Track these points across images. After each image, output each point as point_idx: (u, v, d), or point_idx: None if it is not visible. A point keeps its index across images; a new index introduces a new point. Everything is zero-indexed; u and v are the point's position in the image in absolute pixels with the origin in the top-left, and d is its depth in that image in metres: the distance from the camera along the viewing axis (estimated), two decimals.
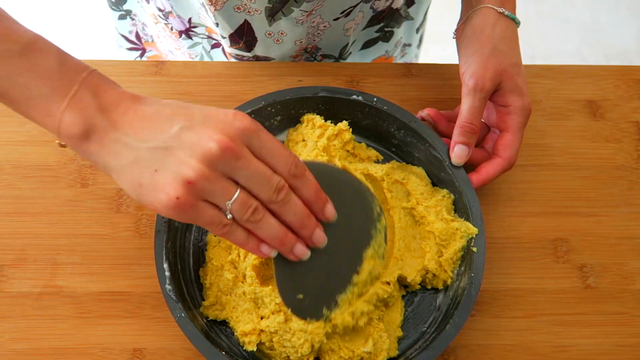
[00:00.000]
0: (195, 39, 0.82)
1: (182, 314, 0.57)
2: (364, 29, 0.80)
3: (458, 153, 0.63)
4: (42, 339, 0.63)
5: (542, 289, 0.66)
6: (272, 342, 0.59)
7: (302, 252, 0.52)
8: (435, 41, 1.57)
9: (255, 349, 0.59)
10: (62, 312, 0.63)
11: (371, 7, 0.76)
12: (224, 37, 0.75)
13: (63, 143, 0.50)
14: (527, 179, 0.71)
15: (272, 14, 0.70)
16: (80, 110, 0.47)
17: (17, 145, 0.70)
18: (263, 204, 0.49)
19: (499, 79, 0.63)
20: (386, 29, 0.82)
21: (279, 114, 0.67)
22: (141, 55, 0.91)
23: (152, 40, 0.88)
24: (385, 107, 0.66)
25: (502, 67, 0.63)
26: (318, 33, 0.76)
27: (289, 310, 0.54)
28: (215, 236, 0.64)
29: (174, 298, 0.58)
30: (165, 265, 0.59)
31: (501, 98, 0.65)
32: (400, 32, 0.86)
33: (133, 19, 0.87)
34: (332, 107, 0.67)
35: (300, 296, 0.54)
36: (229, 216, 0.48)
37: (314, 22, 0.73)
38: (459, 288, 0.61)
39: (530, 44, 1.93)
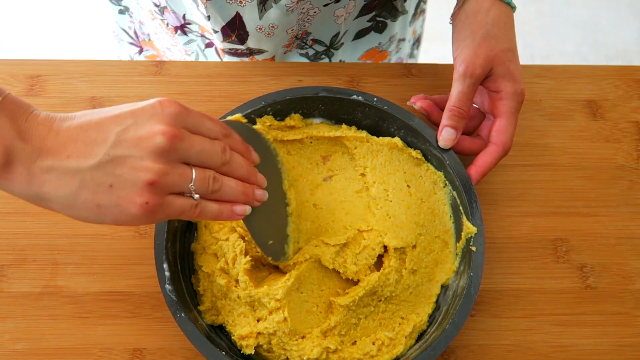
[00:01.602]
0: (191, 36, 0.82)
1: (182, 314, 0.57)
2: (355, 18, 0.80)
3: (445, 136, 0.64)
4: (42, 339, 0.63)
5: (542, 289, 0.66)
6: (271, 344, 0.59)
7: (261, 195, 0.55)
8: (435, 41, 1.57)
9: (253, 352, 0.59)
10: (62, 312, 0.63)
11: None
12: (216, 32, 0.76)
13: None
14: (527, 179, 0.71)
15: (263, 1, 0.70)
16: None
17: None
18: (216, 169, 0.51)
19: (490, 64, 0.64)
20: (378, 19, 0.82)
21: (279, 114, 0.67)
22: (139, 53, 0.91)
23: (149, 39, 0.88)
24: (385, 107, 0.66)
25: (494, 52, 0.63)
26: (308, 19, 0.76)
27: (268, 258, 0.59)
28: (199, 244, 0.64)
29: (174, 298, 0.58)
30: (165, 266, 0.59)
31: (493, 83, 0.65)
32: (396, 27, 0.86)
33: (131, 17, 0.87)
34: (332, 107, 0.67)
35: (270, 242, 0.59)
36: (196, 196, 0.49)
37: (303, 8, 0.73)
38: (459, 287, 0.61)
39: (530, 44, 1.93)
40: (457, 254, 0.64)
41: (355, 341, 0.61)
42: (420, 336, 0.62)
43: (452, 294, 0.62)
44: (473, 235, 0.61)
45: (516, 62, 0.65)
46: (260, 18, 0.72)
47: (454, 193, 0.64)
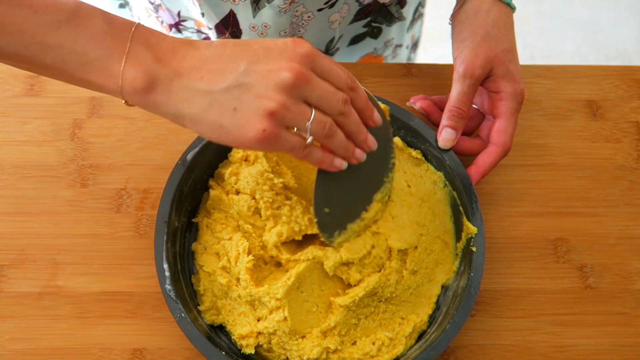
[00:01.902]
0: (185, 33, 0.82)
1: (182, 314, 0.57)
2: (350, 23, 0.80)
3: (445, 136, 0.64)
4: (42, 339, 0.63)
5: (542, 289, 0.66)
6: (271, 344, 0.59)
7: (360, 155, 0.56)
8: (435, 41, 1.57)
9: (253, 352, 0.59)
10: (62, 312, 0.63)
11: (357, 0, 0.76)
12: (210, 29, 0.76)
13: (130, 102, 0.50)
14: (527, 179, 0.71)
15: (257, 0, 0.70)
16: (139, 65, 0.49)
17: (17, 145, 0.70)
18: (332, 117, 0.52)
19: (490, 65, 0.64)
20: (374, 24, 0.82)
21: None
22: None
23: None
24: None
25: (494, 53, 0.63)
26: (302, 24, 0.75)
27: (315, 220, 0.58)
28: (200, 244, 0.64)
29: (174, 298, 0.58)
30: (165, 266, 0.59)
31: (492, 84, 0.65)
32: (392, 32, 0.86)
33: (131, 11, 0.87)
34: None
35: (327, 210, 0.59)
36: (310, 138, 0.51)
37: (297, 11, 0.73)
38: (459, 288, 0.61)
39: (530, 43, 1.92)
40: (457, 255, 0.64)
41: (355, 341, 0.61)
42: (420, 336, 0.62)
43: (452, 294, 0.62)
44: (473, 235, 0.61)
45: (516, 62, 0.65)
46: (254, 17, 0.72)
47: (454, 193, 0.64)
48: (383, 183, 0.61)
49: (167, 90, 0.49)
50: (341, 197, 0.59)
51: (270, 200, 0.61)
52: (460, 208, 0.64)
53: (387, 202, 0.63)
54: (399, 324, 0.62)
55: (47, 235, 0.66)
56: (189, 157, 0.62)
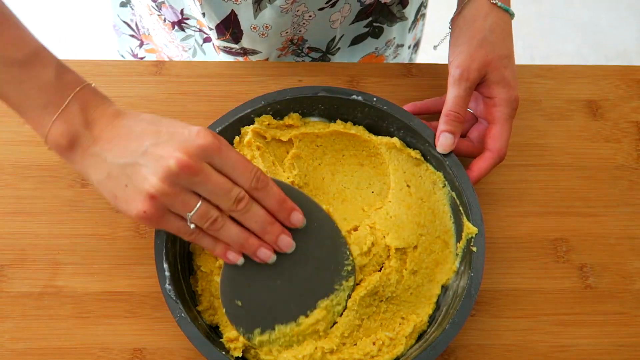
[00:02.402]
0: (188, 31, 0.82)
1: (182, 314, 0.57)
2: (352, 23, 0.80)
3: (443, 141, 0.63)
4: (42, 339, 0.63)
5: (542, 289, 0.66)
6: (258, 352, 0.59)
7: (265, 255, 0.56)
8: (435, 42, 1.57)
9: (240, 355, 0.59)
10: (62, 312, 0.63)
11: (358, 0, 0.76)
12: (211, 29, 0.76)
13: (51, 150, 0.54)
14: (527, 179, 0.71)
15: (258, 0, 0.70)
16: (67, 124, 0.52)
17: (17, 145, 0.70)
18: (225, 212, 0.54)
19: (485, 70, 0.64)
20: (375, 24, 0.82)
21: (278, 114, 0.67)
22: (140, 46, 0.92)
23: (149, 33, 0.88)
24: (385, 107, 0.66)
25: (489, 58, 0.63)
26: (303, 23, 0.76)
27: (224, 310, 0.57)
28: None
29: (174, 298, 0.58)
30: (165, 265, 0.59)
31: (487, 89, 0.65)
32: (394, 32, 0.86)
33: (132, 9, 0.87)
34: (332, 107, 0.67)
35: (239, 302, 0.57)
36: (192, 226, 0.53)
37: (298, 10, 0.73)
38: (459, 287, 0.61)
39: (530, 44, 1.92)
40: (457, 255, 0.64)
41: (356, 342, 0.61)
42: (420, 336, 0.62)
43: (452, 294, 0.62)
44: (474, 235, 0.61)
45: (512, 68, 0.65)
46: (255, 17, 0.72)
47: (453, 193, 0.64)
48: (333, 290, 0.59)
49: (83, 153, 0.53)
50: (261, 293, 0.58)
51: None
52: (460, 208, 0.64)
53: (340, 314, 0.60)
54: (399, 324, 0.62)
55: (47, 235, 0.66)
56: None
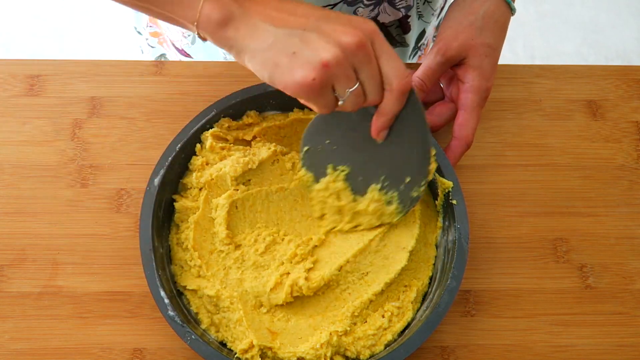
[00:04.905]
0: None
1: (193, 336, 0.57)
2: None
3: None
4: (42, 339, 0.63)
5: (542, 289, 0.66)
6: (274, 349, 0.59)
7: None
8: None
9: None
10: (62, 312, 0.63)
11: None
12: None
13: (202, 35, 0.54)
14: (527, 179, 0.71)
15: None
16: (217, 1, 0.53)
17: (17, 145, 0.70)
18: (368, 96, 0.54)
19: (466, 52, 0.64)
20: None
21: (233, 116, 0.67)
22: (146, 26, 0.91)
23: None
24: None
25: (474, 42, 0.64)
26: None
27: (302, 150, 0.63)
28: (176, 264, 0.63)
29: (180, 323, 0.57)
30: (163, 293, 0.58)
31: (462, 72, 0.65)
32: None
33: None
34: (284, 99, 0.65)
35: (328, 140, 0.61)
36: (341, 102, 0.53)
37: None
38: (449, 242, 0.62)
39: (531, 45, 1.92)
40: (438, 212, 0.65)
41: (366, 320, 0.61)
42: (424, 298, 0.63)
43: (443, 251, 0.63)
44: (450, 189, 0.62)
45: (492, 60, 0.65)
46: None
47: None
48: (398, 189, 0.61)
49: (238, 26, 0.52)
50: (345, 149, 0.60)
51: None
52: None
53: (389, 217, 0.63)
54: (403, 292, 0.62)
55: (47, 235, 0.66)
56: (156, 182, 0.62)
